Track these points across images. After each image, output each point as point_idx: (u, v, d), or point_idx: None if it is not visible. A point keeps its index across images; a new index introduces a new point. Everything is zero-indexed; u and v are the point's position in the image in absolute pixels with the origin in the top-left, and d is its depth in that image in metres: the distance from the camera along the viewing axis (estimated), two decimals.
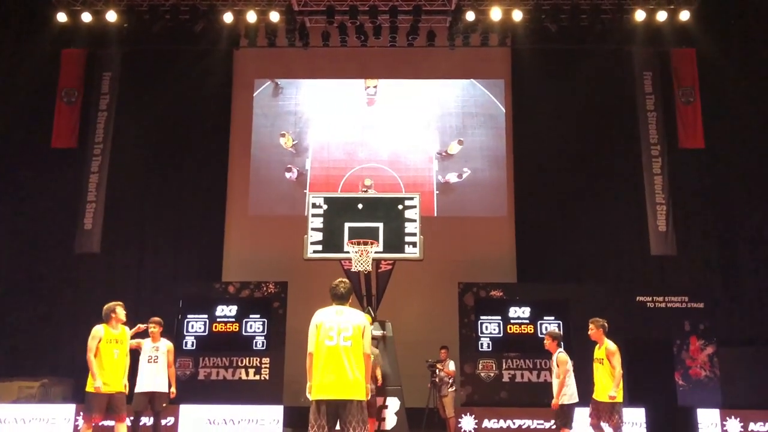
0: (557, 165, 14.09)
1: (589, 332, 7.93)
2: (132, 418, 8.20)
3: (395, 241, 9.91)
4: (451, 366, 10.90)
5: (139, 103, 14.14)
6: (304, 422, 5.63)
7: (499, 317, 11.75)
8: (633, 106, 13.98)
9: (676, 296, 12.06)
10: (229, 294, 11.97)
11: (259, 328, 11.78)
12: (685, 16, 13.19)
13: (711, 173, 13.95)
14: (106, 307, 7.40)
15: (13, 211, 13.74)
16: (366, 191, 10.78)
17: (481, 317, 11.72)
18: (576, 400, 7.90)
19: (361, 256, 9.58)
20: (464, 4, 13.36)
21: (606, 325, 7.88)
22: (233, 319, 11.82)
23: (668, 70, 13.98)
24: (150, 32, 13.44)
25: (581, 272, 13.50)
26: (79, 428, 9.48)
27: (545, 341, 8.20)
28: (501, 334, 11.72)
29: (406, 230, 9.97)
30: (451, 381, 10.83)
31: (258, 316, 11.82)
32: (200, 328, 11.83)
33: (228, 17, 13.25)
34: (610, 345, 7.73)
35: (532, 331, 11.70)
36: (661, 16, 13.16)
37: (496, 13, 13.06)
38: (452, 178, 14.42)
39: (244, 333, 11.74)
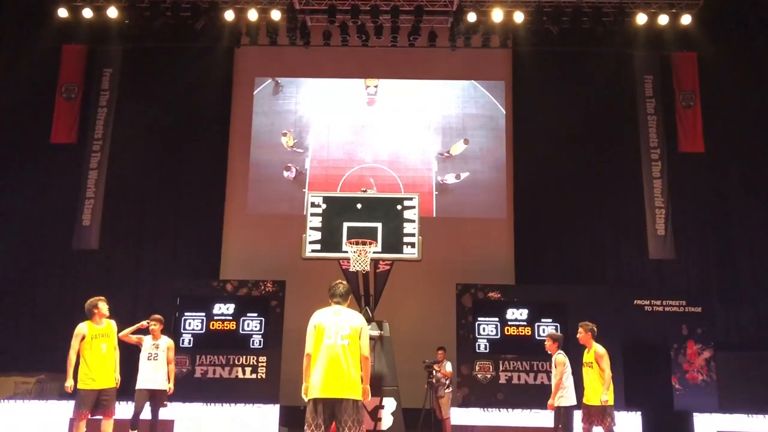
0: (557, 167, 14.08)
1: (577, 335, 7.95)
2: (132, 414, 8.28)
3: (394, 241, 9.89)
4: (448, 367, 10.89)
5: (139, 99, 14.12)
6: (300, 421, 5.63)
7: (497, 319, 11.72)
8: (633, 110, 14.00)
9: (674, 300, 12.05)
10: (227, 292, 11.94)
11: (256, 327, 11.75)
12: (686, 20, 13.20)
13: (711, 177, 13.94)
14: (88, 302, 7.43)
15: (11, 205, 13.70)
16: (365, 191, 10.78)
17: (479, 318, 11.70)
18: (574, 402, 7.93)
19: (359, 256, 9.56)
20: (466, 5, 13.37)
21: (595, 329, 7.91)
22: (230, 318, 11.80)
23: (669, 73, 14.01)
24: (151, 29, 13.46)
25: (579, 275, 13.50)
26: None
27: (546, 342, 8.24)
28: (498, 336, 11.70)
29: (405, 231, 9.95)
30: (447, 382, 10.83)
31: (255, 314, 11.78)
32: (197, 325, 11.80)
33: (229, 15, 13.26)
34: (599, 348, 7.76)
35: (530, 333, 11.67)
36: (663, 19, 13.17)
37: (497, 15, 13.07)
38: (450, 179, 14.41)
39: (241, 331, 11.71)
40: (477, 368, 11.48)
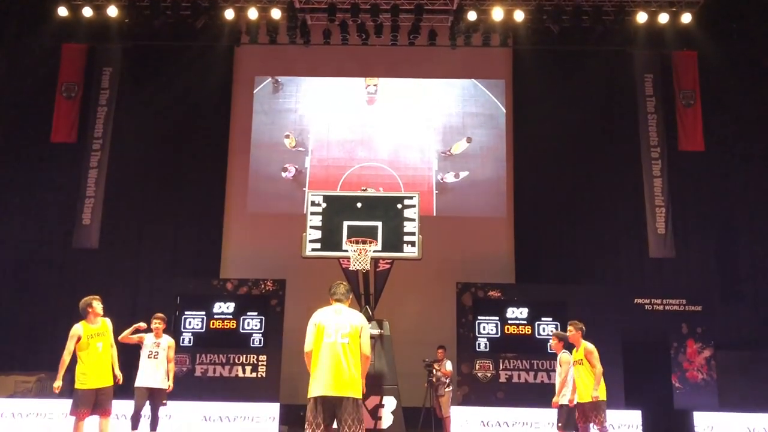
0: (557, 166, 14.08)
1: (567, 334, 7.98)
2: (133, 412, 8.29)
3: (394, 240, 9.88)
4: (448, 366, 10.90)
5: (139, 98, 14.11)
6: (300, 420, 5.64)
7: (497, 318, 11.74)
8: (633, 108, 13.99)
9: (674, 299, 12.08)
10: (227, 291, 11.95)
11: (256, 326, 11.76)
12: (686, 18, 13.20)
13: (711, 176, 13.94)
14: (82, 302, 7.40)
15: (11, 204, 13.71)
16: (365, 190, 10.79)
17: (479, 317, 11.72)
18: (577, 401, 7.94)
19: (359, 255, 9.56)
20: (466, 4, 13.36)
21: (584, 328, 7.95)
22: (231, 317, 11.80)
23: (669, 72, 14.00)
24: (151, 28, 13.47)
25: (580, 274, 13.49)
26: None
27: (551, 342, 8.33)
28: (498, 335, 11.71)
29: (405, 229, 9.94)
30: (447, 381, 10.84)
31: (255, 313, 11.80)
32: (197, 324, 11.81)
33: (229, 14, 13.27)
34: (588, 345, 7.81)
35: (530, 331, 11.69)
36: (663, 18, 13.17)
37: (497, 14, 13.07)
38: (449, 177, 14.41)
39: (241, 330, 11.72)
40: (477, 367, 11.50)
